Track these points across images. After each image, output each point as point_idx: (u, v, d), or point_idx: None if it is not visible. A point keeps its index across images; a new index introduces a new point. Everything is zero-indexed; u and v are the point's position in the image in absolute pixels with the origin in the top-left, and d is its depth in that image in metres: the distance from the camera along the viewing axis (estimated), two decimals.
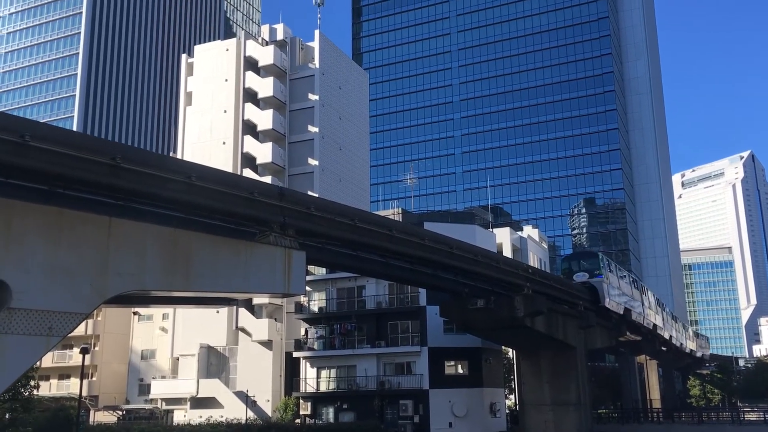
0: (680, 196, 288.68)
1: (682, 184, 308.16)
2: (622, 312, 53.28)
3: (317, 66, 66.22)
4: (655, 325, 65.80)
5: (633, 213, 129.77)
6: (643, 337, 66.25)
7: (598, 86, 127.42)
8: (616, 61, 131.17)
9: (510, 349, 61.03)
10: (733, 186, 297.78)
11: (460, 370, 52.45)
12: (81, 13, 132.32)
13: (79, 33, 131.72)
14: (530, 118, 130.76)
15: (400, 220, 52.12)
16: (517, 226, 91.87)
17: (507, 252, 63.63)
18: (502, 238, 65.22)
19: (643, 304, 61.18)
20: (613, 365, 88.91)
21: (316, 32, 67.45)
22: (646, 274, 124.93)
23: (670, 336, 76.08)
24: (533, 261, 67.26)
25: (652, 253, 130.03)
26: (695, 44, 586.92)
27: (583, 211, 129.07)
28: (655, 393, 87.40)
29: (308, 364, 54.36)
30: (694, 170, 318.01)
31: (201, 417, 52.29)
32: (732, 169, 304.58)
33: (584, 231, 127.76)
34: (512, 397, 64.77)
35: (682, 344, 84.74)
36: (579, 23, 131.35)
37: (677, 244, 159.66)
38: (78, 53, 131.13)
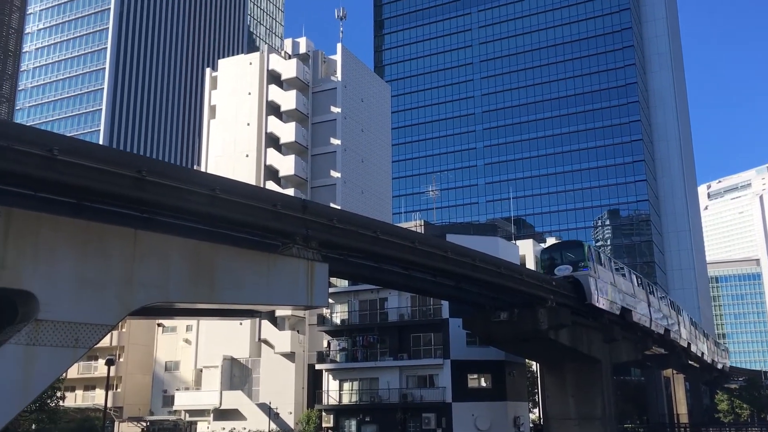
0: (706, 208, 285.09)
1: (708, 196, 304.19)
2: (618, 312, 46.34)
3: (339, 79, 66.59)
4: (666, 330, 57.96)
5: (658, 225, 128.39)
6: (669, 350, 65.17)
7: (622, 97, 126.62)
8: (639, 72, 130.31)
9: (534, 362, 60.51)
10: (761, 197, 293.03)
11: (484, 383, 52.09)
12: (107, 28, 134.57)
13: (106, 48, 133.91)
14: (553, 129, 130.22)
15: (423, 232, 52.04)
16: (540, 238, 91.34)
17: (530, 264, 63.22)
18: (525, 250, 64.87)
19: (649, 305, 53.44)
20: (639, 379, 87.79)
21: (339, 45, 67.87)
22: (672, 287, 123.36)
23: (688, 343, 67.99)
24: None
25: (678, 266, 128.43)
26: (720, 53, 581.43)
27: (607, 222, 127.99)
28: (682, 407, 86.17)
29: (331, 377, 54.33)
30: (720, 181, 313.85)
31: (224, 429, 52.49)
32: (759, 179, 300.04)
33: (608, 243, 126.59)
34: (536, 410, 64.16)
35: (702, 353, 77.60)
36: (602, 34, 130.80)
37: (704, 257, 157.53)
38: (104, 68, 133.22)
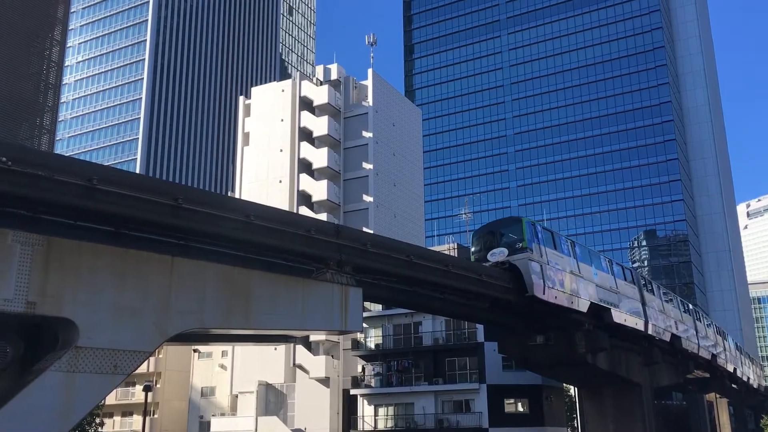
0: (746, 227, 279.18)
1: (748, 215, 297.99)
2: (585, 310, 36.16)
3: (371, 104, 67.08)
4: (675, 337, 47.86)
5: (697, 245, 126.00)
6: (711, 374, 63.46)
7: (656, 116, 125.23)
8: (673, 91, 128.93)
9: (572, 387, 59.46)
10: None
11: (521, 408, 51.34)
12: (143, 59, 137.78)
13: (142, 78, 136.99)
14: (586, 150, 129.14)
15: (456, 255, 51.81)
16: None
17: None
18: None
19: (644, 305, 43.30)
20: (681, 403, 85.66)
21: (369, 71, 68.48)
22: (712, 308, 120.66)
23: (713, 355, 57.66)
24: None
25: (718, 287, 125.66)
26: (755, 70, 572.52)
27: (644, 243, 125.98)
28: None
29: (366, 402, 54.03)
30: (759, 200, 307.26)
31: None
32: None
33: (645, 264, 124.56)
34: None
35: (735, 369, 68.44)
36: (634, 53, 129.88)
37: (744, 277, 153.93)
38: (141, 98, 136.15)
